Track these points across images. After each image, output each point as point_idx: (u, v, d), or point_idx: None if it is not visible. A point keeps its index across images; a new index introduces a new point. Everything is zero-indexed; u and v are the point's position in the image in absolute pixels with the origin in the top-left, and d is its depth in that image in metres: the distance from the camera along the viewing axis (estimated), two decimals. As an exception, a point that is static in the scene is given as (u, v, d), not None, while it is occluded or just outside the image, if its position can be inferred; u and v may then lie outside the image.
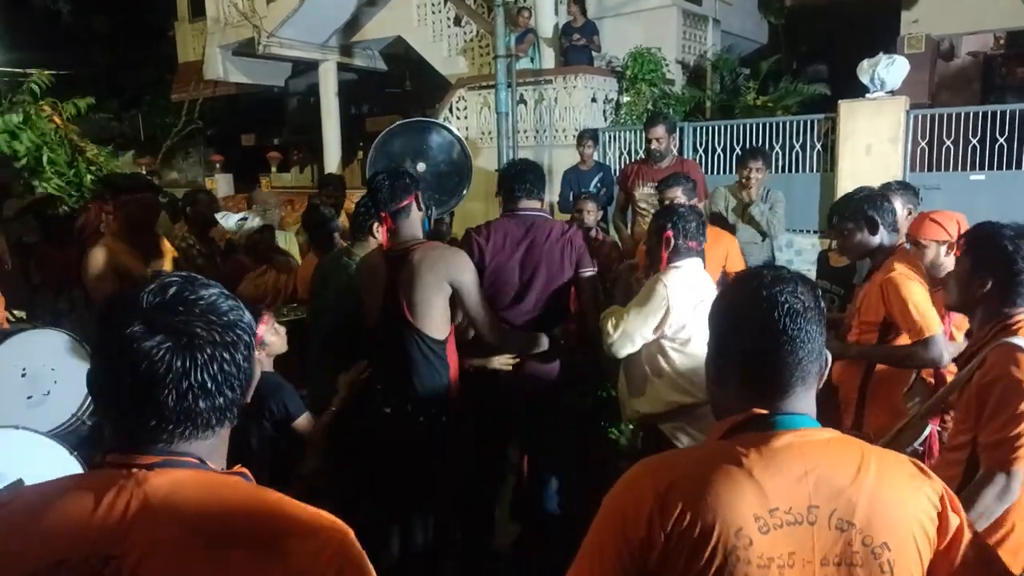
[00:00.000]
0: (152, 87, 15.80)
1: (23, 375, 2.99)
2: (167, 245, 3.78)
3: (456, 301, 2.64)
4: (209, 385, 0.99)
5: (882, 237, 2.77)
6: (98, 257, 3.39)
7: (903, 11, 10.02)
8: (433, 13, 11.18)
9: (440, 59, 11.19)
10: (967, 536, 1.16)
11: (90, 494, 0.97)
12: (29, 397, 2.94)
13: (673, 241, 2.84)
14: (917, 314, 2.57)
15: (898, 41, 9.80)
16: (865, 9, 10.64)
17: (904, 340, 2.66)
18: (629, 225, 5.41)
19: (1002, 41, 10.55)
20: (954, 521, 1.15)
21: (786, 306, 1.17)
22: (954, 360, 2.24)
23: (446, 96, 10.16)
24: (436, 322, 2.61)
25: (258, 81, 14.14)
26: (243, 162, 15.69)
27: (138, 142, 15.22)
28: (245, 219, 4.00)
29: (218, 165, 15.23)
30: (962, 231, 3.08)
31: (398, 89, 14.81)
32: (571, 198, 5.67)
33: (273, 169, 14.95)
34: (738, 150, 8.18)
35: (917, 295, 2.59)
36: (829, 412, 2.82)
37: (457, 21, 10.90)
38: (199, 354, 0.98)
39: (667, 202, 3.73)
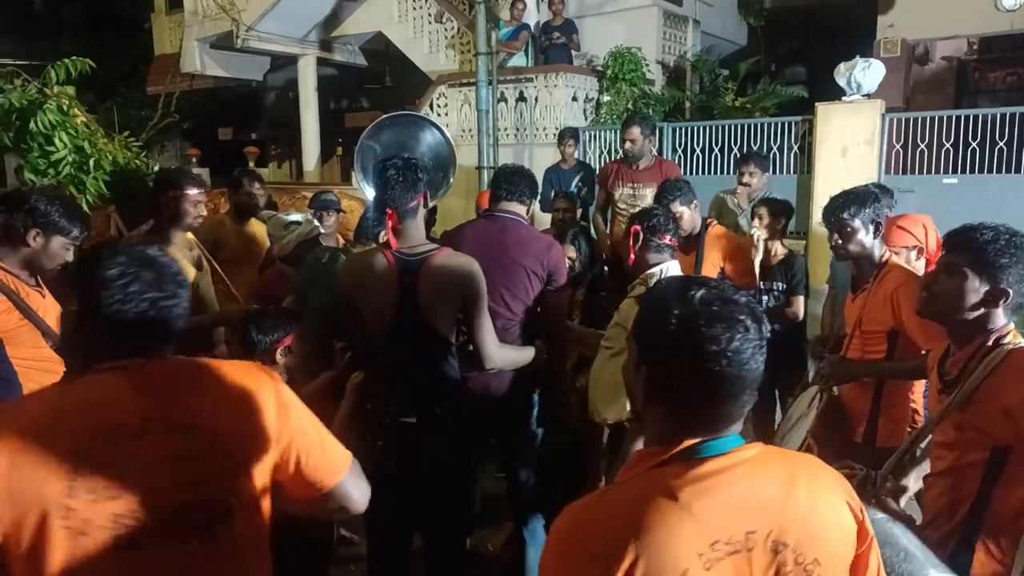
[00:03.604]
0: (127, 79, 15.57)
1: None
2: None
3: (462, 311, 2.53)
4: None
5: (876, 241, 2.71)
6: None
7: (879, 15, 10.16)
8: (414, 9, 11.14)
9: (421, 55, 11.15)
10: (873, 547, 1.18)
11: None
12: None
13: (642, 236, 2.88)
14: None
15: (874, 45, 9.92)
16: (842, 13, 10.78)
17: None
18: (609, 224, 5.42)
19: (975, 46, 10.72)
20: (868, 532, 1.16)
21: (734, 349, 1.07)
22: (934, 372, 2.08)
23: (426, 93, 10.13)
24: (450, 328, 2.54)
25: (236, 75, 13.99)
26: (220, 157, 15.52)
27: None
28: (297, 223, 3.68)
29: (194, 159, 15.03)
30: (928, 234, 3.12)
31: (378, 85, 14.74)
32: (552, 197, 5.68)
33: (251, 164, 14.80)
34: (716, 150, 8.28)
35: None
36: (838, 424, 2.77)
37: (438, 17, 10.87)
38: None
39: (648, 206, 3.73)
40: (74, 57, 4.60)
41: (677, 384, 1.12)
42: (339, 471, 1.51)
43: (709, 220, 4.01)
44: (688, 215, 3.74)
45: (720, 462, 1.09)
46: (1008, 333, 1.87)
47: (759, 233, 3.91)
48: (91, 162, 4.47)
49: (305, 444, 1.46)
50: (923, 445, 2.07)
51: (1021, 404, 1.74)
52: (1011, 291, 1.82)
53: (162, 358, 1.40)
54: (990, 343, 1.87)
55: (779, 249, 4.00)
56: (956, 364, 1.94)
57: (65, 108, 4.44)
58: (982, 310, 1.86)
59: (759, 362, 1.10)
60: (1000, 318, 1.87)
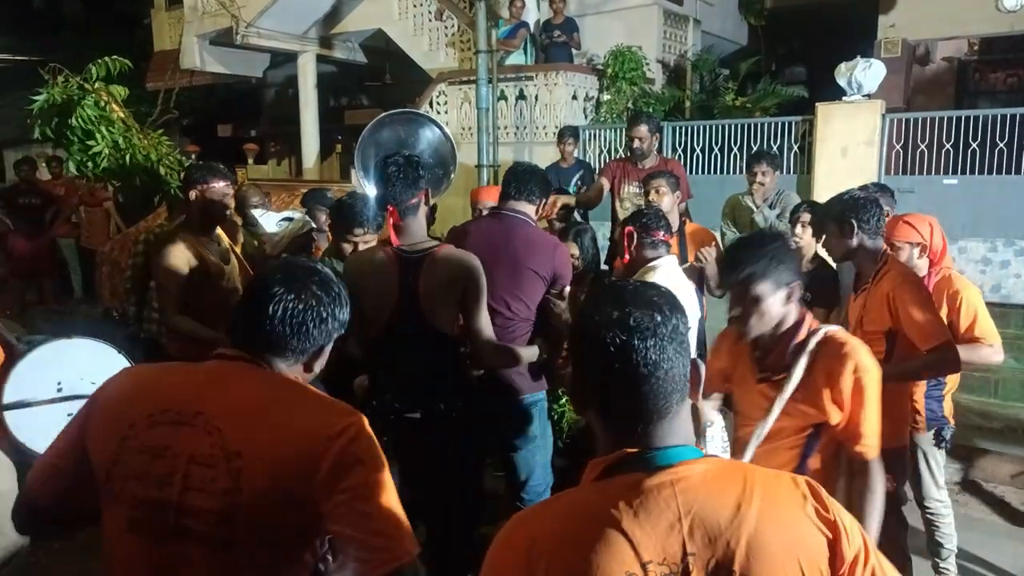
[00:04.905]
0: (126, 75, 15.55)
1: (59, 390, 2.76)
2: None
3: (461, 308, 2.53)
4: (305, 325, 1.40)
5: (860, 240, 2.71)
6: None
7: (880, 15, 10.16)
8: (415, 6, 11.12)
9: (421, 53, 11.13)
10: (869, 564, 1.07)
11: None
12: (69, 415, 2.71)
13: (636, 235, 2.99)
14: (942, 320, 2.66)
15: (875, 45, 9.93)
16: (843, 13, 10.77)
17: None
18: (613, 224, 5.41)
19: (976, 47, 10.73)
20: (850, 551, 1.06)
21: (627, 340, 1.08)
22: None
23: (426, 90, 10.11)
24: (452, 324, 2.53)
25: (236, 71, 13.96)
26: (219, 153, 15.48)
27: (112, 131, 14.93)
28: (289, 219, 3.66)
29: (193, 156, 15.00)
30: (934, 232, 3.13)
31: (378, 82, 14.70)
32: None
33: (250, 161, 14.79)
34: (716, 150, 8.27)
35: (931, 302, 2.65)
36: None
37: (438, 15, 10.86)
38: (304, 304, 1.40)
39: (651, 192, 3.88)
40: (115, 56, 4.70)
41: (587, 380, 1.15)
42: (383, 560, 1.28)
43: (683, 219, 4.16)
44: (668, 201, 3.84)
45: (662, 476, 1.06)
46: (812, 324, 2.07)
47: (798, 241, 3.66)
48: (127, 157, 4.50)
49: (348, 508, 1.28)
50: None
51: (836, 382, 1.97)
52: (795, 283, 2.03)
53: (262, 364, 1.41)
54: (802, 336, 2.05)
55: (810, 255, 3.72)
56: (778, 359, 2.09)
57: (102, 104, 4.48)
58: (786, 308, 2.05)
59: (658, 352, 1.08)
60: (795, 309, 2.05)
